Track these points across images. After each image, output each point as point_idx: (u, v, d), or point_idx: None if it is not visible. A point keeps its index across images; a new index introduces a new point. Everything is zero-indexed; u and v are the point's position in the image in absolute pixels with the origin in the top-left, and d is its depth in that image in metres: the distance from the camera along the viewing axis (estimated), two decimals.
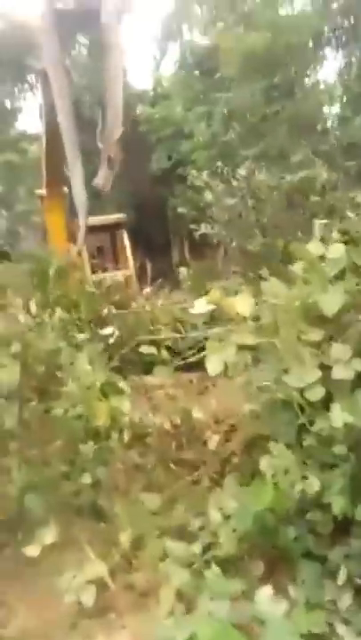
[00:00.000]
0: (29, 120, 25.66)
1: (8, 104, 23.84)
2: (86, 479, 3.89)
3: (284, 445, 2.82)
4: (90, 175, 14.15)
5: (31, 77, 23.25)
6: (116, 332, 3.67)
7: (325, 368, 2.73)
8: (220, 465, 3.90)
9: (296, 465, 2.77)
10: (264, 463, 2.96)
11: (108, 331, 3.73)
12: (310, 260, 3.36)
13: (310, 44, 10.37)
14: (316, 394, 2.67)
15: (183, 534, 3.35)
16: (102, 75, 12.25)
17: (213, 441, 3.96)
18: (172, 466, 4.05)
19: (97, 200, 13.40)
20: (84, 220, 10.59)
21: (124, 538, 3.47)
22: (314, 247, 3.40)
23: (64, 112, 11.70)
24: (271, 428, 3.08)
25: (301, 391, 2.72)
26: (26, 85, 24.10)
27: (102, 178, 12.24)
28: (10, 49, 22.21)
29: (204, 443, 4.06)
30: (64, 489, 3.83)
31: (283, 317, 3.01)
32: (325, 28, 10.55)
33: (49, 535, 3.39)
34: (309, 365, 2.75)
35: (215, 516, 3.19)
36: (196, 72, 16.33)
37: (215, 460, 3.91)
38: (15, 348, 3.52)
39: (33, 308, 3.75)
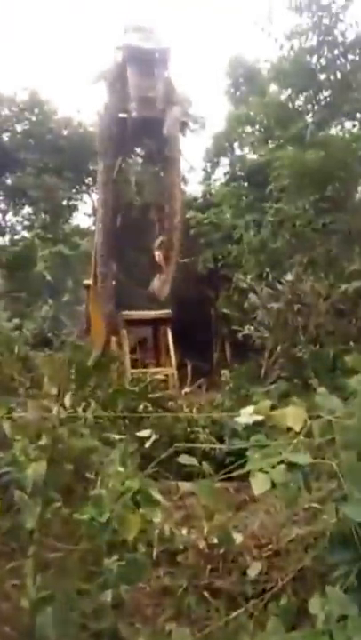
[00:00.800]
0: (83, 217, 27.28)
1: (65, 202, 25.57)
2: (107, 597, 3.47)
3: (340, 590, 2.41)
4: (137, 272, 14.64)
5: (89, 180, 25.13)
6: (154, 436, 3.41)
7: None
8: (261, 598, 3.43)
9: (356, 615, 2.34)
10: (315, 606, 2.53)
11: (145, 433, 3.47)
12: None
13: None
14: None
15: None
16: (161, 183, 13.07)
17: (254, 569, 3.51)
18: (205, 593, 3.59)
19: (143, 296, 13.69)
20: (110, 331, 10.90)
21: None
22: None
23: (104, 215, 12.55)
24: (325, 565, 2.68)
25: None
26: (83, 187, 26.01)
27: (157, 284, 12.77)
28: (73, 153, 24.30)
29: (243, 569, 3.61)
30: (81, 607, 3.42)
31: (341, 437, 2.72)
32: None
33: None
34: None
35: None
36: (245, 184, 17.19)
37: (255, 592, 3.44)
38: (44, 441, 3.30)
39: (67, 400, 3.56)
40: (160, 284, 12.79)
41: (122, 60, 12.43)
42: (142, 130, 12.63)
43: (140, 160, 22.26)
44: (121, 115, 12.43)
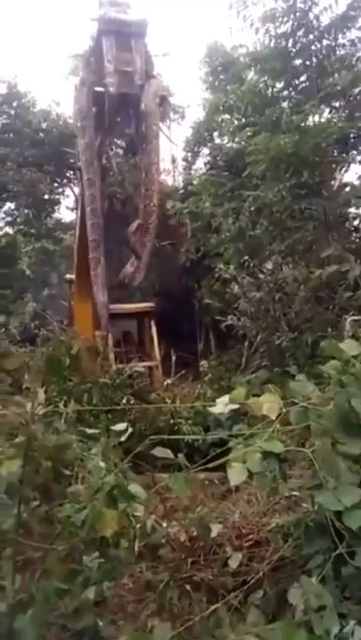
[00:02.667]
0: (65, 210, 26.98)
1: (47, 196, 25.27)
2: (90, 594, 3.41)
3: (317, 579, 2.38)
4: (120, 265, 14.51)
5: (70, 173, 24.84)
6: (130, 429, 3.34)
7: None
8: (241, 589, 3.39)
9: (333, 605, 2.31)
10: (293, 596, 2.50)
11: (120, 426, 3.40)
12: (345, 360, 3.07)
13: (336, 147, 10.76)
14: (357, 520, 2.27)
15: None
16: (140, 164, 12.70)
17: (235, 560, 3.48)
18: (187, 587, 3.55)
19: (125, 289, 13.57)
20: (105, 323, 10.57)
21: None
22: (348, 346, 3.13)
23: (92, 197, 12.10)
24: (302, 554, 2.65)
25: (339, 514, 2.33)
26: (65, 180, 25.71)
27: (130, 270, 12.43)
28: (52, 146, 23.99)
29: (225, 561, 3.57)
30: (61, 607, 3.35)
31: (316, 424, 2.68)
32: (351, 134, 11.00)
33: None
34: (348, 483, 2.37)
35: None
36: (226, 173, 17.10)
37: (236, 584, 3.41)
38: (19, 439, 3.22)
39: (41, 395, 3.47)
40: (133, 270, 12.43)
41: (97, 32, 11.99)
42: (120, 104, 12.25)
43: (120, 152, 22.12)
44: (98, 89, 12.01)
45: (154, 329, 12.97)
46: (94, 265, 11.87)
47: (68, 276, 17.04)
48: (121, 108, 12.34)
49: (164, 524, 3.99)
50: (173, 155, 21.21)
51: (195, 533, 3.73)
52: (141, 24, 11.91)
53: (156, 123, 12.21)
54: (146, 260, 12.20)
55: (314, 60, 11.85)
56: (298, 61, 12.10)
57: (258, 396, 3.12)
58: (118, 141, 21.25)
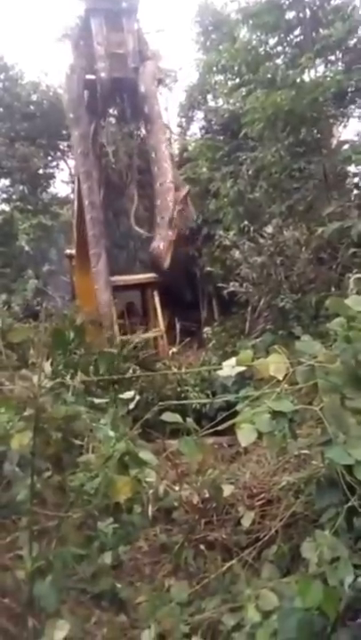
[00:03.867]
0: (60, 184, 26.62)
1: (41, 170, 24.90)
2: (106, 559, 3.48)
3: (330, 532, 2.39)
4: (120, 236, 14.36)
5: (63, 145, 24.41)
6: (137, 397, 3.34)
7: None
8: (254, 546, 3.45)
9: (346, 557, 2.34)
10: (307, 549, 2.53)
11: (128, 394, 3.40)
12: (351, 317, 3.03)
13: (334, 102, 10.49)
14: None
15: (215, 633, 2.89)
16: (145, 143, 12.27)
17: (247, 518, 3.52)
18: (201, 547, 3.61)
19: (127, 259, 13.49)
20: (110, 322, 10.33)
21: (147, 635, 3.03)
22: (354, 302, 3.08)
23: (90, 190, 11.67)
24: (314, 509, 2.67)
25: (349, 468, 2.33)
26: (58, 153, 25.29)
27: (160, 241, 11.96)
28: (44, 119, 23.50)
29: (237, 520, 3.62)
30: (79, 572, 3.43)
31: (323, 381, 2.66)
32: (349, 87, 10.70)
33: (60, 630, 2.97)
34: (357, 437, 2.36)
35: (252, 613, 2.73)
36: (221, 137, 16.78)
37: (250, 541, 3.46)
38: (27, 412, 3.23)
39: (47, 368, 3.45)
40: (165, 245, 11.87)
41: (85, 12, 11.33)
42: (114, 90, 11.74)
43: (112, 120, 21.66)
44: (89, 76, 11.43)
45: (157, 299, 12.94)
46: (95, 261, 11.53)
47: (68, 251, 16.93)
48: (115, 92, 11.83)
49: (177, 488, 4.04)
50: (167, 122, 20.75)
51: (207, 495, 3.78)
52: (133, 0, 11.26)
53: (158, 104, 11.75)
54: (170, 237, 11.79)
55: (307, 11, 11.47)
56: (291, 14, 11.73)
57: (259, 358, 3.10)
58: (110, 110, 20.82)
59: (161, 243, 11.97)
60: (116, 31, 11.28)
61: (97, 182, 12.14)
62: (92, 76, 11.39)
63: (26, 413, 3.49)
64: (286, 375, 2.93)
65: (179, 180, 12.21)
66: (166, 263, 12.06)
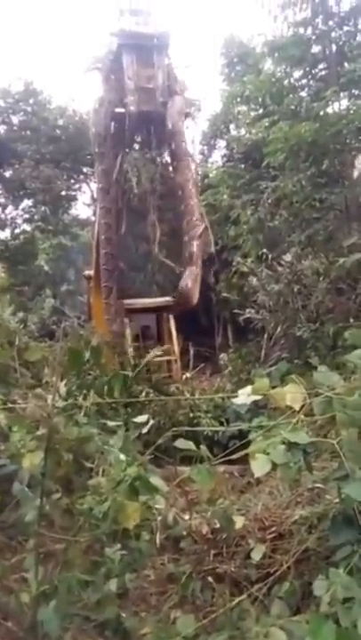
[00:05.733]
0: (82, 206, 27.05)
1: (64, 192, 25.38)
2: (112, 586, 3.41)
3: (344, 571, 2.32)
4: (138, 259, 14.46)
5: (86, 169, 24.89)
6: (151, 421, 3.31)
7: None
8: (265, 582, 3.35)
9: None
10: (319, 587, 2.45)
11: (141, 418, 3.37)
12: None
13: (357, 135, 10.57)
14: None
15: None
16: (174, 181, 12.27)
17: (258, 552, 3.43)
18: (209, 579, 3.52)
19: (143, 282, 13.57)
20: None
21: None
22: None
23: (107, 226, 11.72)
24: (328, 546, 2.59)
25: None
26: (81, 176, 25.80)
27: (188, 278, 11.96)
28: (69, 142, 24.04)
29: (247, 553, 3.53)
30: (84, 599, 3.36)
31: (341, 414, 2.61)
32: None
33: None
34: None
35: None
36: (243, 165, 16.96)
37: (260, 576, 3.36)
38: (40, 431, 3.21)
39: (62, 389, 3.45)
40: (192, 284, 11.86)
41: (117, 47, 11.57)
42: (141, 124, 11.89)
43: (136, 147, 22.07)
44: (118, 110, 11.61)
45: (172, 323, 12.94)
46: (107, 294, 11.62)
47: (86, 272, 17.11)
48: (141, 125, 11.97)
49: (186, 517, 3.96)
50: (192, 152, 21.07)
51: (217, 525, 3.70)
52: (164, 36, 11.46)
53: (185, 140, 11.85)
54: (197, 274, 11.80)
55: (333, 46, 11.65)
56: (317, 49, 11.92)
57: (275, 387, 3.06)
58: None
59: (189, 280, 12.00)
60: (146, 66, 11.48)
61: (116, 219, 12.20)
62: (121, 110, 11.54)
63: (38, 433, 3.48)
64: (303, 406, 2.89)
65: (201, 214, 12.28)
66: (195, 300, 12.10)
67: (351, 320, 7.97)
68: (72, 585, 3.30)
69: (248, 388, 3.18)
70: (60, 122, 24.87)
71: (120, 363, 9.21)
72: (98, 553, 3.50)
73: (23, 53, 42.22)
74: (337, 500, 2.76)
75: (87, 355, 4.78)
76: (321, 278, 9.17)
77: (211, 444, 5.98)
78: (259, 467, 2.70)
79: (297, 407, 2.90)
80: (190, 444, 3.12)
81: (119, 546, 3.49)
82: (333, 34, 11.62)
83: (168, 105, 11.48)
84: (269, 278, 10.85)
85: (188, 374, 10.55)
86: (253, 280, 11.77)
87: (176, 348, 12.44)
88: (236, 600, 2.98)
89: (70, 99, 24.99)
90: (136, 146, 21.32)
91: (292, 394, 2.95)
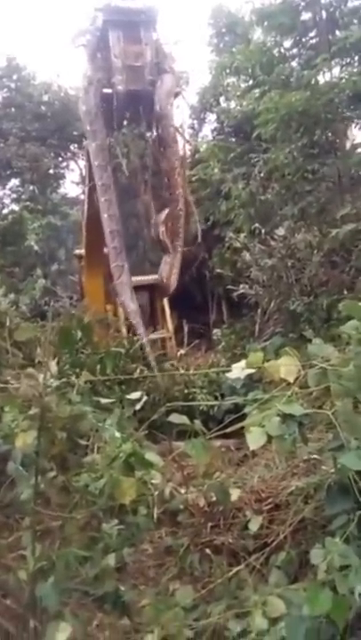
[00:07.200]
0: (70, 185, 26.67)
1: (51, 170, 24.98)
2: (110, 561, 3.42)
3: (341, 539, 2.32)
4: (130, 237, 14.32)
5: (74, 146, 24.46)
6: (145, 397, 3.28)
7: None
8: (262, 552, 3.38)
9: (358, 565, 2.26)
10: (316, 556, 2.46)
11: (135, 395, 3.34)
12: None
13: (349, 104, 10.39)
14: None
15: (220, 638, 2.83)
16: (162, 164, 11.98)
17: (255, 523, 3.45)
18: (207, 550, 3.55)
19: (136, 259, 13.46)
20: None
21: (150, 639, 2.97)
22: None
23: (108, 203, 11.43)
24: (325, 516, 2.60)
25: None
26: (69, 154, 25.37)
27: (166, 267, 11.73)
28: (55, 119, 23.57)
29: (245, 524, 3.55)
30: (82, 573, 3.38)
31: (336, 384, 2.59)
32: None
33: (61, 633, 2.92)
34: None
35: (259, 620, 2.67)
36: (233, 138, 16.72)
37: (257, 546, 3.39)
38: (32, 411, 3.18)
39: (53, 367, 3.40)
40: (168, 271, 11.67)
41: (102, 23, 11.23)
42: (130, 103, 11.59)
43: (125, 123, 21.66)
44: (106, 90, 11.31)
45: (165, 300, 12.87)
46: (118, 273, 11.25)
47: (77, 251, 16.93)
48: (130, 105, 11.64)
49: (183, 491, 3.98)
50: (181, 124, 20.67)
51: (213, 498, 3.71)
52: (151, 11, 11.05)
53: (173, 124, 11.50)
54: (178, 260, 11.55)
55: (324, 13, 11.36)
56: (307, 16, 11.62)
57: (269, 360, 3.04)
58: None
59: (165, 272, 11.87)
60: (133, 43, 11.12)
61: (115, 195, 11.94)
62: (109, 90, 11.25)
63: (31, 412, 3.45)
64: (297, 378, 2.87)
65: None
66: (173, 288, 11.94)
67: (345, 292, 7.96)
68: (70, 561, 3.31)
69: (242, 362, 3.15)
70: (45, 98, 24.30)
71: (113, 339, 9.17)
72: (95, 529, 3.52)
73: (4, 28, 41.00)
74: (333, 471, 2.76)
75: (79, 333, 4.75)
76: (315, 251, 9.12)
77: (207, 419, 5.98)
78: (254, 439, 2.69)
79: (291, 379, 2.88)
80: (184, 419, 3.10)
81: (116, 521, 3.50)
82: (323, 0, 11.33)
83: (157, 84, 11.13)
84: (262, 253, 10.78)
85: (182, 351, 10.52)
86: (247, 255, 11.69)
87: (170, 325, 12.40)
88: (234, 570, 3.00)
89: (55, 74, 24.39)
90: (126, 124, 20.91)
91: (286, 366, 2.93)
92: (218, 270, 15.08)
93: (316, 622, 2.38)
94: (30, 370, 3.55)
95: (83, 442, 3.77)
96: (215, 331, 13.06)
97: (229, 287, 12.64)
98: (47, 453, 3.52)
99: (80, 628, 3.03)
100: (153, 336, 10.94)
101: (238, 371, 3.13)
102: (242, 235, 13.04)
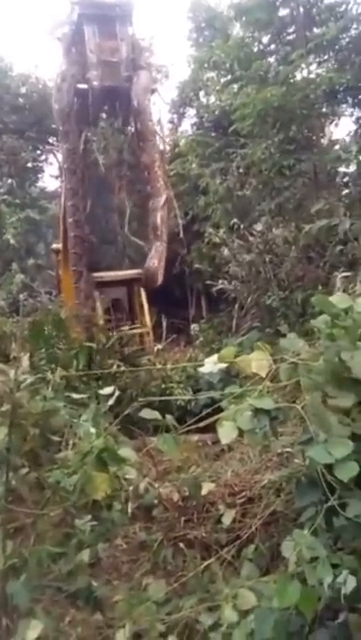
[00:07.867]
0: (49, 178, 26.33)
1: (30, 164, 24.64)
2: (83, 557, 3.41)
3: (309, 532, 2.35)
4: (108, 232, 14.21)
5: (52, 139, 24.16)
6: (119, 393, 3.26)
7: (358, 439, 2.31)
8: (234, 545, 3.40)
9: (326, 556, 2.29)
10: (287, 549, 2.48)
11: (107, 390, 3.32)
12: (335, 314, 2.99)
13: (325, 100, 10.46)
14: (348, 471, 2.22)
15: (192, 632, 2.84)
16: (140, 158, 11.90)
17: (228, 516, 3.48)
18: (180, 545, 3.56)
19: (114, 255, 13.36)
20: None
21: (122, 634, 2.97)
22: (339, 299, 3.03)
23: (74, 208, 11.32)
24: (295, 508, 2.62)
25: (330, 467, 2.29)
26: (47, 147, 25.05)
27: (154, 256, 11.67)
28: (33, 111, 23.22)
29: (218, 518, 3.57)
30: (55, 570, 3.36)
31: (306, 378, 2.61)
32: (341, 86, 10.68)
33: (33, 630, 2.90)
34: (338, 436, 2.32)
35: (229, 612, 2.69)
36: (213, 133, 16.70)
37: (229, 540, 3.41)
38: (4, 407, 3.15)
39: (25, 363, 3.36)
40: (157, 263, 11.64)
41: (77, 17, 11.02)
42: (106, 99, 11.43)
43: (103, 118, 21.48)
44: (80, 86, 11.11)
45: (144, 295, 12.81)
46: (77, 278, 11.30)
47: (54, 245, 16.75)
48: (106, 101, 11.45)
49: (157, 486, 3.98)
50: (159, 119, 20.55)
51: (187, 493, 3.72)
52: (127, 6, 10.90)
53: (151, 119, 11.37)
54: (162, 254, 11.54)
55: (301, 10, 11.41)
56: (284, 12, 11.65)
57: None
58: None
59: (155, 260, 11.78)
60: (109, 38, 10.93)
61: (83, 199, 11.82)
62: (84, 86, 11.06)
63: (2, 408, 3.40)
64: (270, 372, 2.89)
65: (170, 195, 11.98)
66: (160, 278, 11.92)
67: (320, 287, 8.03)
68: (42, 557, 3.29)
69: (215, 357, 3.15)
70: (23, 90, 23.86)
71: (90, 337, 9.10)
72: (69, 525, 3.50)
73: None
74: (303, 464, 2.79)
75: (52, 328, 4.72)
76: (292, 247, 9.18)
77: (184, 414, 6.01)
78: (225, 433, 2.70)
79: (263, 374, 2.89)
80: (156, 414, 3.10)
81: (90, 517, 3.48)
82: None
83: (133, 80, 10.98)
84: (241, 248, 10.80)
85: (159, 346, 10.50)
86: (225, 250, 11.70)
87: (148, 321, 12.35)
88: (206, 563, 3.01)
89: (33, 65, 24.00)
90: (102, 121, 20.74)
91: (257, 361, 2.94)
92: (197, 265, 15.08)
93: (285, 614, 2.40)
94: (1, 366, 3.50)
95: (56, 438, 3.75)
96: (193, 326, 13.06)
97: (208, 282, 12.65)
98: (19, 450, 3.49)
99: (52, 624, 3.02)
100: (130, 331, 10.90)
101: (211, 365, 3.13)
102: (220, 230, 13.05)
